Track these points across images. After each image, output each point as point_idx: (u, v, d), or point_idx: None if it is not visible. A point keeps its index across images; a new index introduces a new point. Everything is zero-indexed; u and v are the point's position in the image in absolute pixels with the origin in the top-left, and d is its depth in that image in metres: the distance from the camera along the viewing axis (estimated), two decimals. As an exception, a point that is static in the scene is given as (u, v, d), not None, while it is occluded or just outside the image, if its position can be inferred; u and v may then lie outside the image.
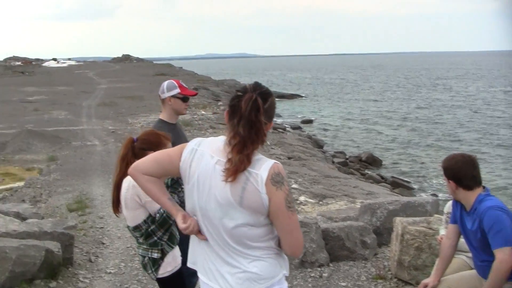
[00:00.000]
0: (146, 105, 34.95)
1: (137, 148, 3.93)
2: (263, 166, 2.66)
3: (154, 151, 3.49)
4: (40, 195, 12.72)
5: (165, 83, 5.13)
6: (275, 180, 2.63)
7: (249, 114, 2.63)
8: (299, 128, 37.09)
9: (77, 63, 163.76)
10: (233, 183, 2.63)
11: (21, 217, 7.93)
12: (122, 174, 3.85)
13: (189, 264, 3.06)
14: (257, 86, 2.74)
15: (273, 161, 2.70)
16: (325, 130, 38.84)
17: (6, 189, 14.12)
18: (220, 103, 38.48)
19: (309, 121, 42.82)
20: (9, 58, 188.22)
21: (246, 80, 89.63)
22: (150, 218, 3.82)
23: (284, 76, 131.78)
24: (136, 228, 3.87)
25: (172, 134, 4.54)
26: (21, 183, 14.43)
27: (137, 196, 3.74)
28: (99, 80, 69.96)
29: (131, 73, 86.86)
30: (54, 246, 6.57)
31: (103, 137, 22.14)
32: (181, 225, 2.84)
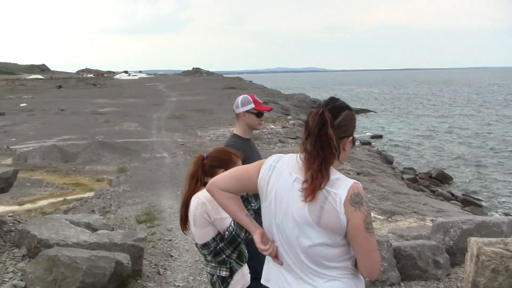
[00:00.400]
0: (216, 118, 35.13)
1: (207, 166, 3.86)
2: (342, 185, 2.59)
3: (225, 168, 3.60)
4: (109, 206, 12.81)
5: (240, 98, 5.05)
6: (354, 200, 2.56)
7: (315, 129, 2.61)
8: (368, 143, 36.66)
9: (148, 76, 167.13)
10: (311, 202, 2.58)
11: (92, 228, 7.95)
12: (191, 191, 3.79)
13: (262, 281, 3.01)
14: (330, 101, 2.71)
15: (353, 180, 2.63)
16: (395, 145, 38.37)
17: (77, 199, 14.32)
18: (289, 117, 38.37)
19: (379, 136, 42.36)
20: (82, 71, 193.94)
21: (315, 94, 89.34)
22: (219, 236, 3.72)
23: (352, 91, 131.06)
24: (205, 246, 3.77)
25: (246, 149, 4.59)
26: (91, 194, 14.58)
27: (206, 214, 3.66)
28: (169, 93, 70.99)
29: (201, 86, 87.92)
30: (124, 258, 6.56)
31: (172, 150, 22.25)
32: (260, 245, 2.81)
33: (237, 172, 2.96)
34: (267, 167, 2.82)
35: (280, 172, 2.76)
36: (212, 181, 2.97)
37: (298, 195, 2.62)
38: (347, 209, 2.54)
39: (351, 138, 2.73)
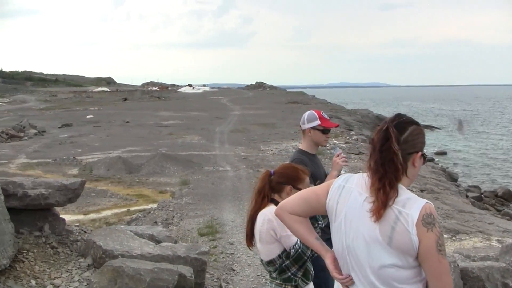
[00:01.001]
0: (278, 132, 35.04)
1: (274, 182, 3.82)
2: (414, 205, 2.53)
3: (292, 185, 3.75)
4: (172, 218, 12.88)
5: (306, 114, 5.00)
6: (426, 221, 2.50)
7: (379, 145, 2.59)
8: (432, 160, 35.91)
9: (211, 90, 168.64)
10: (382, 222, 2.54)
11: (155, 240, 7.97)
12: (258, 207, 3.77)
13: None
14: (396, 117, 2.68)
15: (425, 200, 2.57)
16: (459, 163, 37.43)
17: (140, 210, 14.47)
18: (352, 132, 38.00)
19: (443, 153, 41.47)
20: (147, 84, 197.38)
21: (378, 109, 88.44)
22: (285, 253, 3.68)
23: (416, 106, 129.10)
24: (270, 262, 3.74)
25: (312, 164, 4.58)
26: (154, 205, 14.72)
27: (273, 231, 3.64)
28: (232, 107, 71.39)
29: (264, 100, 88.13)
30: (187, 271, 6.51)
31: (235, 163, 22.24)
32: (334, 274, 2.78)
33: (305, 194, 2.93)
34: (336, 187, 2.78)
35: (349, 191, 2.72)
36: (280, 204, 2.96)
37: (368, 215, 2.58)
38: (419, 230, 2.48)
39: (420, 153, 2.66)
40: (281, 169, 3.91)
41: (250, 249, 3.97)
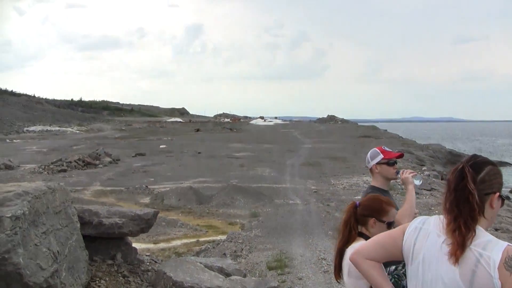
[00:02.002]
0: (349, 166, 34.67)
1: (358, 214, 3.72)
2: (495, 248, 2.44)
3: (376, 218, 3.64)
4: (241, 250, 12.87)
5: (369, 153, 5.03)
6: (509, 264, 2.39)
7: (454, 184, 2.53)
8: (507, 198, 34.78)
9: (283, 122, 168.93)
10: (462, 265, 2.45)
11: (225, 273, 8.00)
12: (345, 240, 3.67)
13: None
14: (471, 157, 2.63)
15: (506, 243, 2.48)
16: (537, 201, 35.78)
17: (209, 241, 14.49)
18: (424, 167, 37.29)
19: (519, 191, 39.99)
20: (219, 115, 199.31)
21: (452, 145, 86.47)
22: None
23: (490, 142, 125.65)
24: None
25: None
26: (223, 237, 14.75)
27: None
28: (303, 140, 71.22)
29: (335, 134, 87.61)
30: None
31: (305, 197, 22.10)
32: None
33: (380, 238, 2.90)
34: (412, 229, 2.73)
35: (427, 233, 2.67)
36: (356, 250, 2.94)
37: (447, 258, 2.50)
38: (502, 274, 2.37)
39: (497, 194, 2.58)
40: (365, 201, 3.85)
41: (338, 281, 3.85)
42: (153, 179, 28.65)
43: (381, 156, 4.89)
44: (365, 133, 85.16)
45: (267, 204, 20.56)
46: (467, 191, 2.48)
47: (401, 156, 5.18)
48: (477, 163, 2.57)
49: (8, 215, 5.13)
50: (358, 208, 3.74)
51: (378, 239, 2.90)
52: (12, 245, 5.07)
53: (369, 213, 3.69)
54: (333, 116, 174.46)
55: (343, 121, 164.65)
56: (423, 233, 2.67)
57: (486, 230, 2.57)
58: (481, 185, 2.51)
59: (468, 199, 2.47)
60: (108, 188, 24.96)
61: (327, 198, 21.27)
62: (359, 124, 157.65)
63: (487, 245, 2.46)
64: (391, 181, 5.06)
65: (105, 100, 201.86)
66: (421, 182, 4.87)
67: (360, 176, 29.11)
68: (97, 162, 35.59)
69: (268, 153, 46.98)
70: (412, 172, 4.86)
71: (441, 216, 2.67)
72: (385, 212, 3.71)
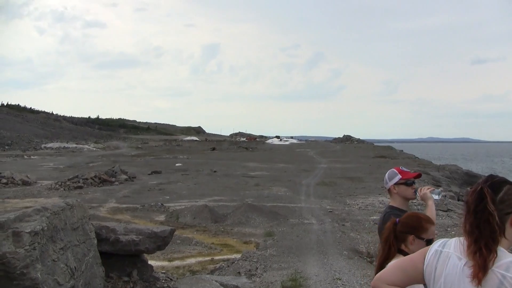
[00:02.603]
0: (365, 187, 34.54)
1: (398, 231, 3.74)
2: None
3: (414, 235, 3.65)
4: (255, 269, 12.83)
5: (386, 174, 5.00)
6: None
7: (474, 206, 2.52)
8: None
9: (298, 142, 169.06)
10: (486, 286, 2.43)
11: (239, 292, 7.96)
12: (385, 257, 3.66)
13: None
14: (489, 177, 2.63)
15: None
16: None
17: (224, 260, 14.47)
18: (440, 188, 36.95)
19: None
20: (235, 134, 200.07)
21: (468, 165, 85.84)
22: None
23: (507, 163, 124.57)
24: None
25: None
26: (238, 255, 14.71)
27: None
28: (319, 159, 71.13)
29: (351, 154, 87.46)
30: None
31: (320, 216, 22.01)
32: None
33: (401, 263, 2.89)
34: (433, 253, 2.72)
35: (447, 256, 2.65)
36: (377, 276, 2.90)
37: (469, 280, 2.49)
38: None
39: None
40: (405, 218, 3.84)
41: None
42: (168, 197, 28.70)
43: (399, 176, 4.87)
44: (381, 153, 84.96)
45: (282, 223, 20.49)
46: (487, 212, 2.47)
47: (419, 176, 5.13)
48: (495, 183, 2.56)
49: (27, 231, 5.19)
50: (398, 225, 3.76)
51: (399, 264, 2.90)
52: (31, 260, 5.13)
53: (408, 230, 3.71)
54: (349, 136, 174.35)
55: (359, 141, 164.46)
56: (444, 256, 2.66)
57: (508, 250, 2.55)
58: (500, 205, 2.50)
59: (489, 220, 2.47)
60: (124, 205, 25.03)
61: (343, 218, 21.19)
62: (375, 144, 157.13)
63: (509, 266, 2.44)
64: (410, 201, 5.07)
65: (122, 118, 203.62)
66: (439, 196, 4.87)
67: (376, 197, 28.99)
68: (113, 179, 35.75)
69: (284, 172, 46.95)
70: (430, 188, 4.85)
71: (461, 238, 2.66)
72: (424, 229, 3.72)
